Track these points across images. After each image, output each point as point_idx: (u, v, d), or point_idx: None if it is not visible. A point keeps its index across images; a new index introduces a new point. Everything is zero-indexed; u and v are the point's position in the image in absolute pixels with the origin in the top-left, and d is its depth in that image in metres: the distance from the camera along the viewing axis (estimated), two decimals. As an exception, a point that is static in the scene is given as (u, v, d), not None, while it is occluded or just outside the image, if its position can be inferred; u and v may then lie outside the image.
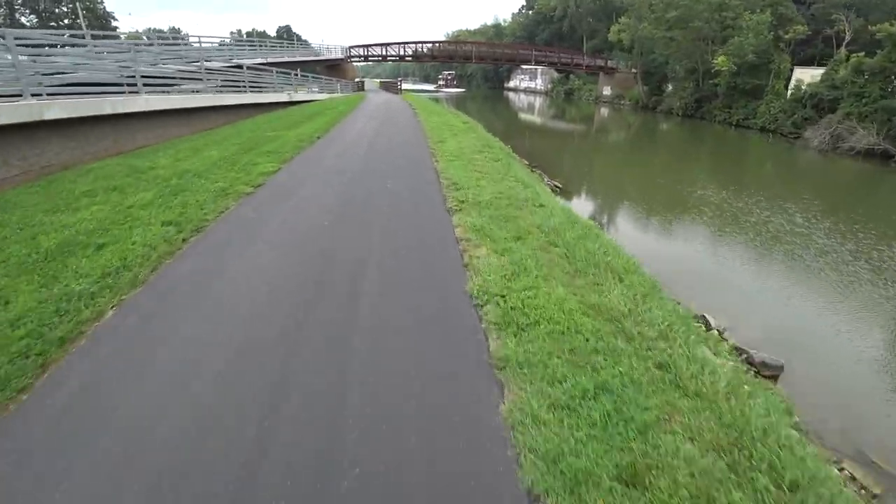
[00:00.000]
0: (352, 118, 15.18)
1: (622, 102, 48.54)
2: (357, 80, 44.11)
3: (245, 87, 15.53)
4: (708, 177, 18.87)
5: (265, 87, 17.33)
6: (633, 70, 47.37)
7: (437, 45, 45.13)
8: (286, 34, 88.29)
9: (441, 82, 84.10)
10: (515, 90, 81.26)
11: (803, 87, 29.81)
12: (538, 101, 62.44)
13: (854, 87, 25.97)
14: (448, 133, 12.41)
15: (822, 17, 33.66)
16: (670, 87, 42.07)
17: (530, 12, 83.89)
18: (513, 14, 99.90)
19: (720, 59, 32.09)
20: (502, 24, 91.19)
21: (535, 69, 71.27)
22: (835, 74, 27.86)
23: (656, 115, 40.81)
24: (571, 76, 61.47)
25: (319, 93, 24.75)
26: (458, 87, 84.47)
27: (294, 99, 18.74)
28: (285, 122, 13.56)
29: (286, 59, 28.10)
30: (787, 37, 30.74)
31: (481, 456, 2.21)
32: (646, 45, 39.32)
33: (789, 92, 31.15)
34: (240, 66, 15.93)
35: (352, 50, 43.56)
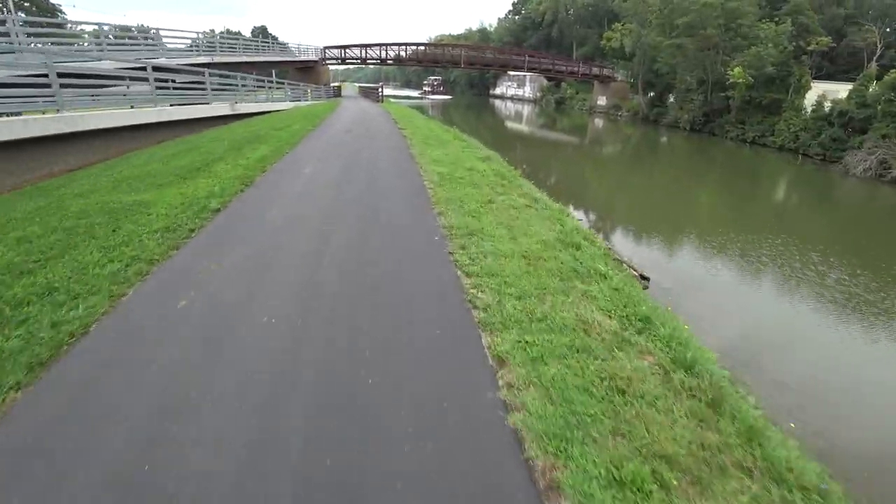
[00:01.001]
0: (301, 152, 9.98)
1: (619, 113, 45.58)
2: (333, 84, 39.80)
3: (154, 96, 11.07)
4: (752, 212, 15.48)
5: (190, 96, 13.01)
6: (631, 80, 44.50)
7: (423, 48, 41.26)
8: (262, 35, 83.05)
9: (427, 88, 79.74)
10: (502, 98, 78.05)
11: (826, 104, 27.15)
12: (527, 111, 59.19)
13: (890, 106, 23.22)
14: (478, 205, 6.42)
15: (843, 29, 31.31)
16: (672, 99, 39.27)
17: (517, 17, 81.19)
18: (499, 19, 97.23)
19: (736, 70, 29.15)
20: (488, 28, 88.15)
21: (524, 76, 68.16)
22: (864, 91, 25.21)
23: (659, 129, 37.84)
24: (563, 84, 58.47)
25: (281, 101, 20.54)
26: (445, 93, 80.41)
27: (238, 111, 14.50)
28: (172, 165, 8.29)
29: (233, 59, 23.30)
30: (809, 48, 28.05)
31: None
32: (649, 52, 36.31)
33: (808, 108, 28.47)
34: (143, 67, 11.19)
35: (327, 51, 39.15)
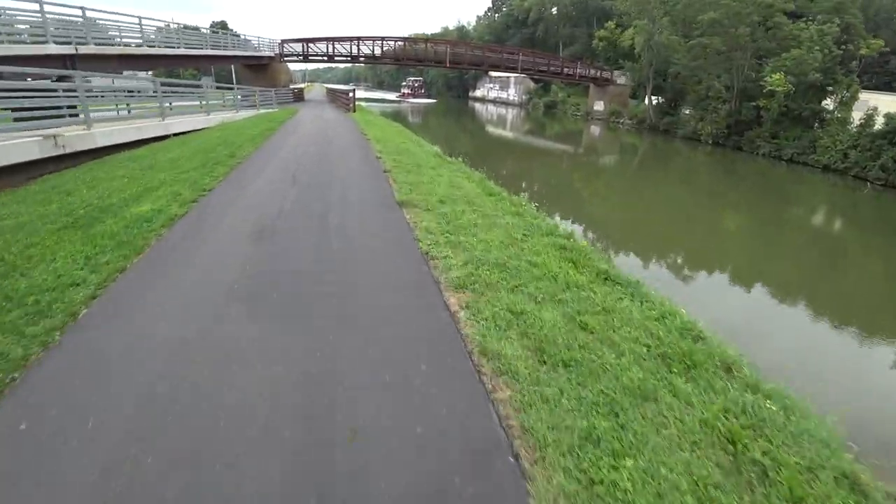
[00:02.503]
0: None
1: (620, 121, 40.98)
2: (295, 86, 33.37)
3: None
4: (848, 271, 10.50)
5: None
6: (634, 83, 39.99)
7: (403, 43, 35.12)
8: (226, 33, 74.67)
9: (405, 91, 71.98)
10: (483, 100, 72.81)
11: (878, 118, 23.06)
12: (512, 115, 54.10)
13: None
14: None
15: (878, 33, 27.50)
16: (685, 106, 34.91)
17: (497, 15, 76.19)
18: (478, 17, 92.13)
19: (775, 76, 24.72)
20: (467, 27, 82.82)
21: (508, 77, 63.12)
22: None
23: (670, 140, 33.30)
24: (553, 87, 53.69)
25: (196, 113, 14.05)
26: (426, 96, 72.98)
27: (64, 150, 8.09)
28: None
29: (116, 51, 16.01)
30: (861, 52, 23.92)
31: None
32: (661, 53, 31.68)
33: (856, 122, 24.36)
34: None
35: (286, 46, 32.49)
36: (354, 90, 24.73)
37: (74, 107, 8.14)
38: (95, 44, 14.17)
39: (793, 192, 22.39)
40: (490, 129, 43.11)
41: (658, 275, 9.69)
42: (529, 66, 38.75)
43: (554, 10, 62.93)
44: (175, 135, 11.74)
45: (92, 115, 8.83)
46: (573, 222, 13.16)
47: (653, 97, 36.60)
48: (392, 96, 75.12)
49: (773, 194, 21.53)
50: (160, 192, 6.01)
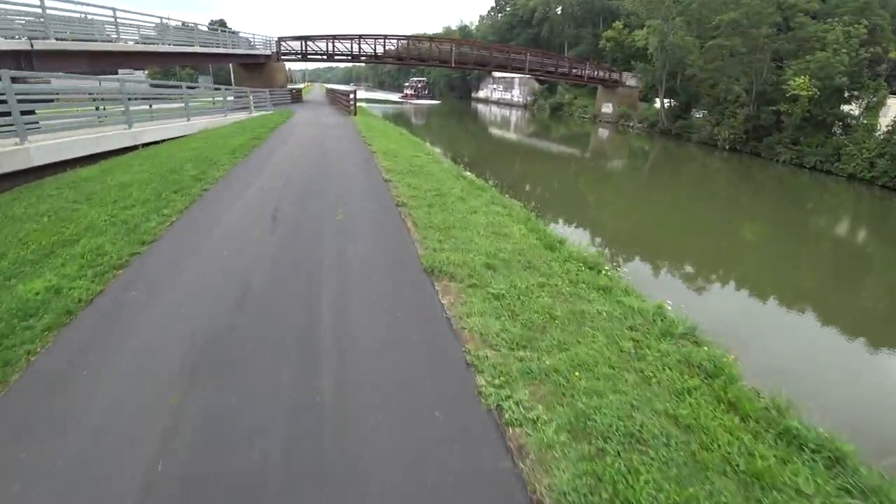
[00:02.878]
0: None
1: (630, 124, 39.69)
2: (293, 87, 32.05)
3: None
4: None
5: None
6: (643, 85, 38.73)
7: (406, 41, 33.60)
8: (219, 29, 73.33)
9: (408, 91, 69.57)
10: (486, 101, 71.48)
11: (907, 124, 21.79)
12: (518, 117, 52.81)
13: None
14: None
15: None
16: (696, 110, 33.65)
17: (500, 15, 74.86)
18: (480, 16, 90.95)
19: (799, 80, 23.44)
20: (469, 26, 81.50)
21: (512, 78, 61.84)
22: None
23: (682, 144, 32.00)
24: (559, 88, 52.42)
25: (175, 119, 12.27)
26: (430, 97, 70.46)
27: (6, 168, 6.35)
28: None
29: (90, 47, 14.41)
30: (889, 55, 22.64)
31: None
32: (675, 54, 30.39)
33: (883, 128, 23.10)
34: None
35: (284, 44, 31.11)
36: (355, 91, 23.27)
37: (9, 114, 6.70)
38: (57, 38, 12.72)
39: (819, 202, 21.13)
40: (500, 132, 41.75)
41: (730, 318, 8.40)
42: (537, 66, 37.41)
43: (559, 10, 61.62)
44: (144, 145, 10.22)
45: (46, 123, 7.44)
46: (610, 248, 11.88)
47: (665, 100, 35.31)
48: (394, 97, 73.38)
49: (799, 204, 20.25)
50: (77, 247, 4.25)
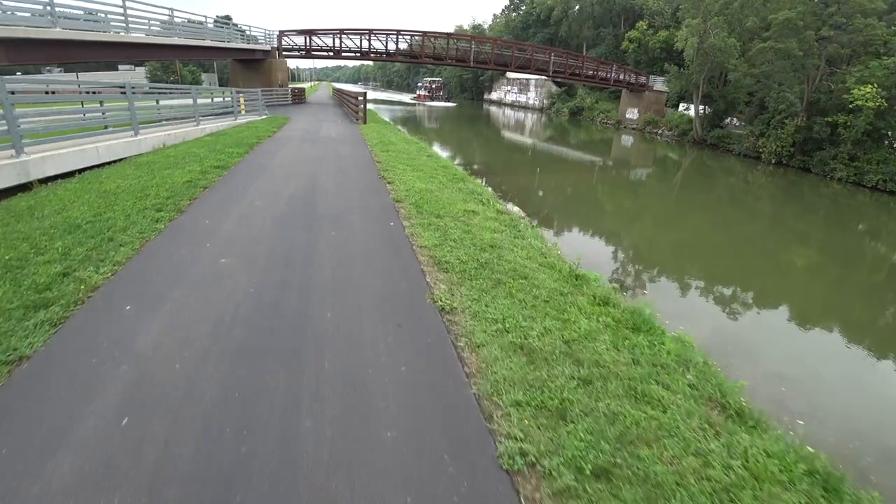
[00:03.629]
0: None
1: (657, 131, 36.93)
2: (294, 86, 29.59)
3: None
4: None
5: None
6: (673, 90, 35.92)
7: (421, 38, 30.79)
8: (206, 19, 71.02)
9: (422, 92, 66.33)
10: (499, 104, 68.77)
11: None
12: (534, 121, 50.08)
13: None
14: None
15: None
16: (738, 119, 30.84)
17: (515, 14, 72.14)
18: (494, 15, 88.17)
19: (865, 89, 20.65)
20: (483, 25, 78.87)
21: (528, 80, 59.15)
22: None
23: (723, 157, 29.18)
24: (579, 91, 49.68)
25: (69, 142, 7.86)
26: (445, 99, 67.02)
27: None
28: None
29: (50, 34, 11.87)
30: (973, 60, 19.79)
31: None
32: (716, 57, 27.60)
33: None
34: None
35: (285, 38, 28.55)
36: (365, 94, 20.50)
37: None
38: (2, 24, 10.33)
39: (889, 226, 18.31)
40: (522, 138, 39.09)
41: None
42: (560, 67, 34.70)
43: (577, 8, 58.78)
44: (43, 181, 6.70)
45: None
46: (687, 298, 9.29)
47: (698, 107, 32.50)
48: (404, 97, 70.56)
49: (874, 233, 17.44)
50: None
